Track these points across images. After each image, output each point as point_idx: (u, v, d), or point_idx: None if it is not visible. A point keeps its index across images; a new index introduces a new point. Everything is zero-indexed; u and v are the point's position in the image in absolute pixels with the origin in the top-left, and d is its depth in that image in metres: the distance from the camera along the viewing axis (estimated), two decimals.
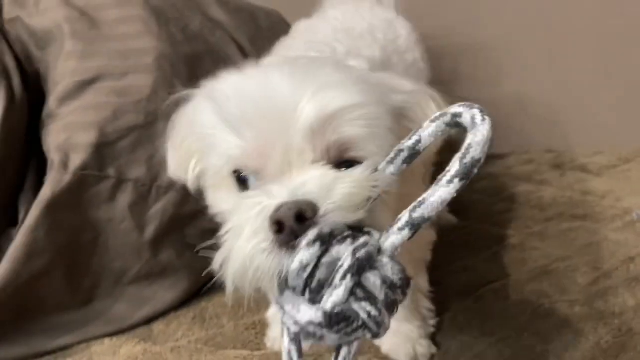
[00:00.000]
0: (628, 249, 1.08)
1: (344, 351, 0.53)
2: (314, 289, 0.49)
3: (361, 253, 0.49)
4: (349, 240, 0.50)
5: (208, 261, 1.13)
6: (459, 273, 1.07)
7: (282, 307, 0.52)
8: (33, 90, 1.09)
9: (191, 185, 0.72)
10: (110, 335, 1.02)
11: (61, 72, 1.07)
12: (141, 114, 1.03)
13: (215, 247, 0.59)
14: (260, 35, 1.29)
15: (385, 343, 0.90)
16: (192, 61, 1.13)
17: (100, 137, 1.00)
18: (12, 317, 0.99)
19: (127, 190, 1.01)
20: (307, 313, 0.49)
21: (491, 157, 1.63)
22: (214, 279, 0.60)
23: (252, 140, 0.57)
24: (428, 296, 0.93)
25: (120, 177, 1.00)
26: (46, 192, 0.95)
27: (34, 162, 1.04)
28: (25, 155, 1.04)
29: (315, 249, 0.50)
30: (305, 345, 0.53)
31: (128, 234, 1.01)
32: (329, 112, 0.55)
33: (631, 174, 1.40)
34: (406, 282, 0.51)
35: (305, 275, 0.49)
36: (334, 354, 0.54)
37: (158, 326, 1.04)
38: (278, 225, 0.52)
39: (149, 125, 1.04)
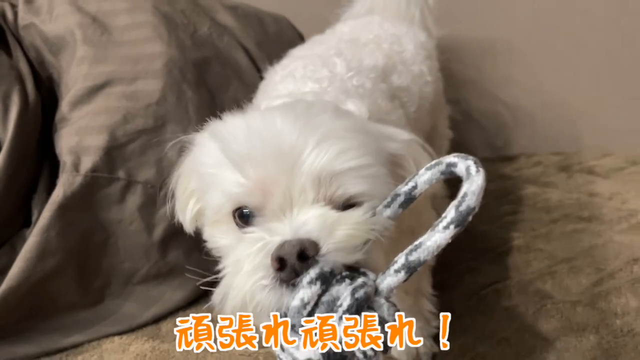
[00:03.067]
0: (632, 251, 1.08)
1: None
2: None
3: (360, 293, 0.51)
4: (347, 281, 0.52)
5: (215, 261, 1.15)
6: (463, 274, 1.07)
7: (280, 345, 0.52)
8: (46, 95, 1.12)
9: (189, 225, 0.74)
10: (120, 333, 1.04)
11: (73, 77, 1.10)
12: (150, 117, 1.06)
13: (215, 282, 0.61)
14: (267, 40, 1.31)
15: None
16: (201, 66, 1.15)
17: (111, 140, 1.03)
18: (25, 315, 1.01)
19: (137, 192, 1.03)
20: (306, 352, 0.50)
21: (499, 159, 1.64)
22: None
23: (255, 178, 0.58)
24: (431, 299, 0.94)
25: (129, 179, 1.03)
26: (58, 193, 0.98)
27: (47, 164, 1.07)
28: (38, 158, 1.07)
29: (317, 287, 0.51)
30: None
31: (137, 235, 1.04)
32: (335, 169, 0.57)
33: (638, 177, 1.40)
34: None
35: (306, 312, 0.51)
36: None
37: (166, 325, 1.06)
38: (279, 263, 0.53)
39: (158, 128, 1.06)
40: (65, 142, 1.03)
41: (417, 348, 0.89)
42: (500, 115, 1.68)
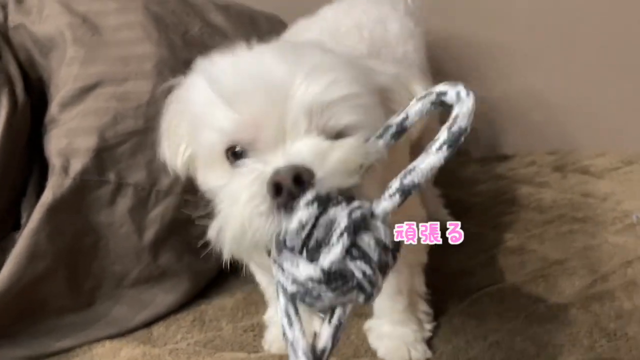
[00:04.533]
0: (626, 252, 1.07)
1: (338, 312, 0.54)
2: (311, 248, 0.51)
3: (356, 214, 0.51)
4: (344, 204, 0.53)
5: (207, 264, 1.14)
6: (456, 276, 1.07)
7: (280, 266, 0.53)
8: (36, 96, 1.11)
9: (181, 170, 0.73)
10: (111, 337, 1.04)
11: (63, 78, 1.09)
12: (141, 119, 1.05)
13: (210, 216, 0.61)
14: (259, 39, 1.29)
15: (381, 347, 0.91)
16: (192, 66, 1.14)
17: (101, 142, 1.01)
18: (15, 319, 1.00)
19: (127, 195, 1.02)
20: (306, 269, 0.50)
21: (494, 158, 1.63)
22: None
23: (246, 113, 0.58)
24: (425, 299, 0.93)
25: (120, 182, 1.02)
26: (47, 196, 0.97)
27: (37, 167, 1.06)
28: (28, 161, 1.06)
29: (314, 209, 0.52)
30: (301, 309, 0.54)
31: (128, 238, 1.03)
32: (326, 100, 0.58)
33: (633, 176, 1.39)
34: (397, 246, 0.53)
35: (304, 234, 0.51)
36: (327, 316, 0.55)
37: (158, 329, 1.05)
38: (276, 188, 0.53)
39: (148, 130, 1.05)
40: (55, 144, 1.02)
41: (410, 353, 0.88)
42: (494, 115, 1.67)
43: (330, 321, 0.54)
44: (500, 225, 1.25)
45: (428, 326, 0.93)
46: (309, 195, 0.53)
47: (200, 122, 0.63)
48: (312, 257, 0.51)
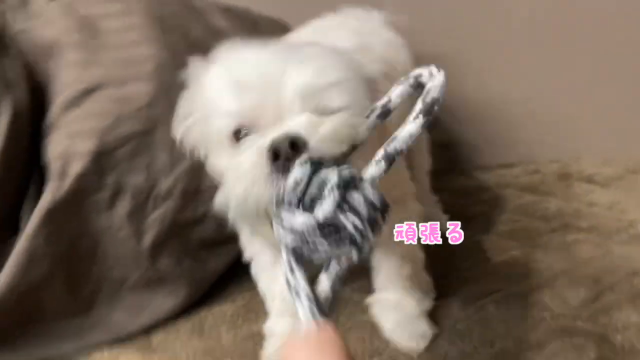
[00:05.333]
0: (632, 263, 1.06)
1: (333, 265, 0.60)
2: (306, 203, 0.57)
3: (345, 173, 0.57)
4: (334, 167, 0.59)
5: (207, 269, 1.14)
6: (461, 283, 1.05)
7: (280, 220, 0.58)
8: (37, 100, 1.10)
9: (194, 152, 0.79)
10: (110, 342, 1.02)
11: (64, 81, 1.08)
12: (140, 121, 1.04)
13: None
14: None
15: (388, 322, 0.93)
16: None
17: (100, 145, 1.00)
18: (14, 324, 0.99)
19: (125, 199, 1.01)
20: (302, 218, 0.56)
21: (498, 167, 1.62)
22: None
23: (248, 100, 0.66)
24: (425, 268, 0.96)
25: (118, 185, 1.01)
26: (45, 199, 0.96)
27: (37, 171, 1.04)
28: (28, 165, 1.05)
29: (307, 168, 0.58)
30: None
31: (126, 242, 1.02)
32: (318, 84, 0.65)
33: (638, 185, 1.38)
34: (385, 206, 0.58)
35: (299, 189, 0.57)
36: (323, 267, 0.60)
37: (157, 336, 1.04)
38: (274, 154, 0.60)
39: (148, 132, 1.04)
40: (55, 147, 1.01)
41: (416, 330, 0.91)
42: (498, 123, 1.66)
43: (327, 269, 0.60)
44: (505, 234, 1.24)
45: (431, 294, 0.97)
46: (303, 157, 0.59)
47: (210, 110, 0.71)
48: (308, 211, 0.57)
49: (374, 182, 0.59)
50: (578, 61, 1.55)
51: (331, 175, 0.57)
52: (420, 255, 0.95)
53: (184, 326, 1.05)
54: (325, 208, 0.56)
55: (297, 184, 0.57)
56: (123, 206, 1.01)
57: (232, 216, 0.65)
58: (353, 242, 0.56)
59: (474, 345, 0.89)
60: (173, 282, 1.08)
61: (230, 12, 1.29)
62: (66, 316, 1.03)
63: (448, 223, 0.77)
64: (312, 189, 0.57)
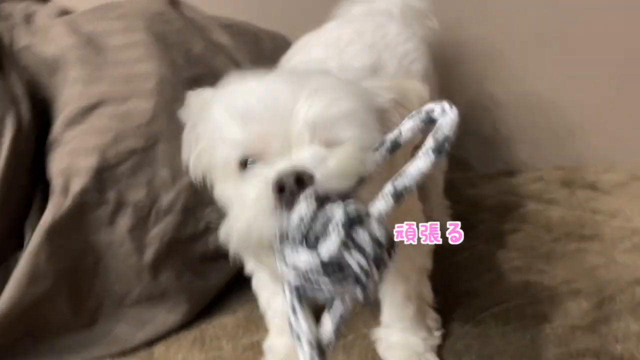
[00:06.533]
0: (635, 271, 1.05)
1: (337, 305, 0.58)
2: (310, 240, 0.55)
3: (351, 209, 0.56)
4: (340, 203, 0.57)
5: (207, 283, 1.14)
6: (461, 297, 1.05)
7: (282, 257, 0.57)
8: (41, 117, 1.12)
9: (201, 180, 0.79)
10: (113, 356, 1.04)
11: (67, 98, 1.10)
12: (141, 137, 1.05)
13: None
14: (262, 57, 1.30)
15: (392, 356, 0.91)
16: (193, 84, 1.13)
17: (101, 162, 1.02)
18: (18, 339, 1.00)
19: (127, 214, 1.02)
20: (305, 257, 0.55)
21: (500, 174, 1.62)
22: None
23: (256, 130, 0.65)
24: (432, 305, 0.94)
25: (119, 201, 1.02)
26: (47, 216, 0.98)
27: (40, 187, 1.06)
28: (32, 181, 1.06)
29: (312, 203, 0.57)
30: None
31: (128, 257, 1.03)
32: (328, 116, 0.64)
33: None
34: (392, 244, 0.56)
35: (303, 226, 0.56)
36: (328, 306, 0.59)
37: (159, 348, 1.04)
38: (279, 188, 0.59)
39: (148, 148, 1.06)
40: (57, 164, 1.03)
41: None
42: (501, 130, 1.66)
43: (330, 309, 0.58)
44: (507, 243, 1.24)
45: (437, 333, 0.94)
46: (308, 191, 0.58)
47: (216, 139, 0.70)
48: (312, 248, 0.55)
49: (380, 218, 0.57)
50: (581, 68, 1.54)
51: (336, 211, 0.56)
52: (428, 293, 0.93)
53: (186, 338, 1.06)
54: (330, 247, 0.54)
55: (301, 220, 0.56)
56: (124, 221, 1.02)
57: (235, 248, 0.64)
58: (358, 281, 0.55)
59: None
60: (174, 296, 1.08)
61: (232, 28, 1.31)
62: (69, 331, 1.04)
63: (448, 223, 0.76)
64: (317, 226, 0.56)
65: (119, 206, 1.02)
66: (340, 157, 0.62)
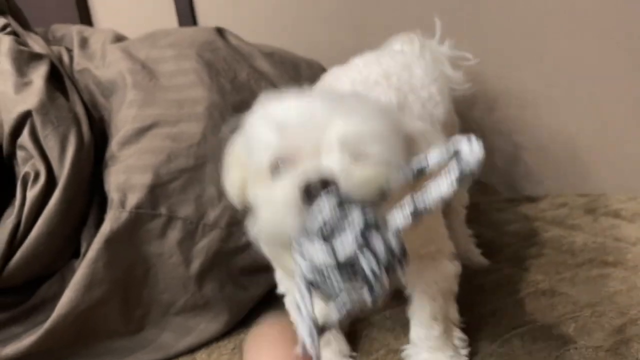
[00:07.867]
0: None
1: (344, 299, 0.60)
2: (327, 235, 0.59)
3: (370, 215, 0.60)
4: (360, 207, 0.61)
5: (247, 294, 1.20)
6: (487, 317, 1.09)
7: (300, 250, 0.60)
8: (98, 134, 1.21)
9: (236, 198, 0.83)
10: None
11: (123, 119, 1.19)
12: (192, 157, 1.13)
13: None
14: (301, 84, 1.37)
15: None
16: (239, 109, 1.21)
17: (155, 179, 1.10)
18: (69, 342, 1.09)
19: (177, 228, 1.10)
20: (322, 252, 0.58)
21: (525, 199, 1.66)
22: None
23: (290, 137, 0.70)
24: (460, 326, 0.98)
25: (170, 215, 1.10)
26: (106, 228, 1.06)
27: (97, 199, 1.15)
28: (89, 194, 1.15)
29: (332, 201, 0.61)
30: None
31: (176, 268, 1.10)
32: (358, 132, 0.68)
33: None
34: (404, 255, 0.60)
35: (323, 221, 0.59)
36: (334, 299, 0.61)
37: (201, 355, 1.11)
38: (306, 192, 0.63)
39: (198, 167, 1.14)
40: (114, 179, 1.11)
41: None
42: (525, 156, 1.70)
43: (336, 303, 0.60)
44: (532, 267, 1.28)
45: (463, 352, 0.97)
46: (330, 189, 0.62)
47: (252, 145, 0.76)
48: (328, 240, 0.59)
49: (397, 232, 0.60)
50: (607, 96, 1.57)
51: (356, 213, 0.59)
52: (454, 314, 0.97)
53: (226, 346, 1.12)
54: (345, 245, 0.58)
55: (321, 215, 0.60)
56: (174, 234, 1.10)
57: (262, 242, 0.70)
58: (367, 283, 0.58)
59: None
60: (216, 306, 1.15)
61: (273, 56, 1.39)
62: (117, 336, 1.12)
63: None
64: (335, 222, 0.59)
65: (170, 220, 1.10)
66: (365, 170, 0.66)
